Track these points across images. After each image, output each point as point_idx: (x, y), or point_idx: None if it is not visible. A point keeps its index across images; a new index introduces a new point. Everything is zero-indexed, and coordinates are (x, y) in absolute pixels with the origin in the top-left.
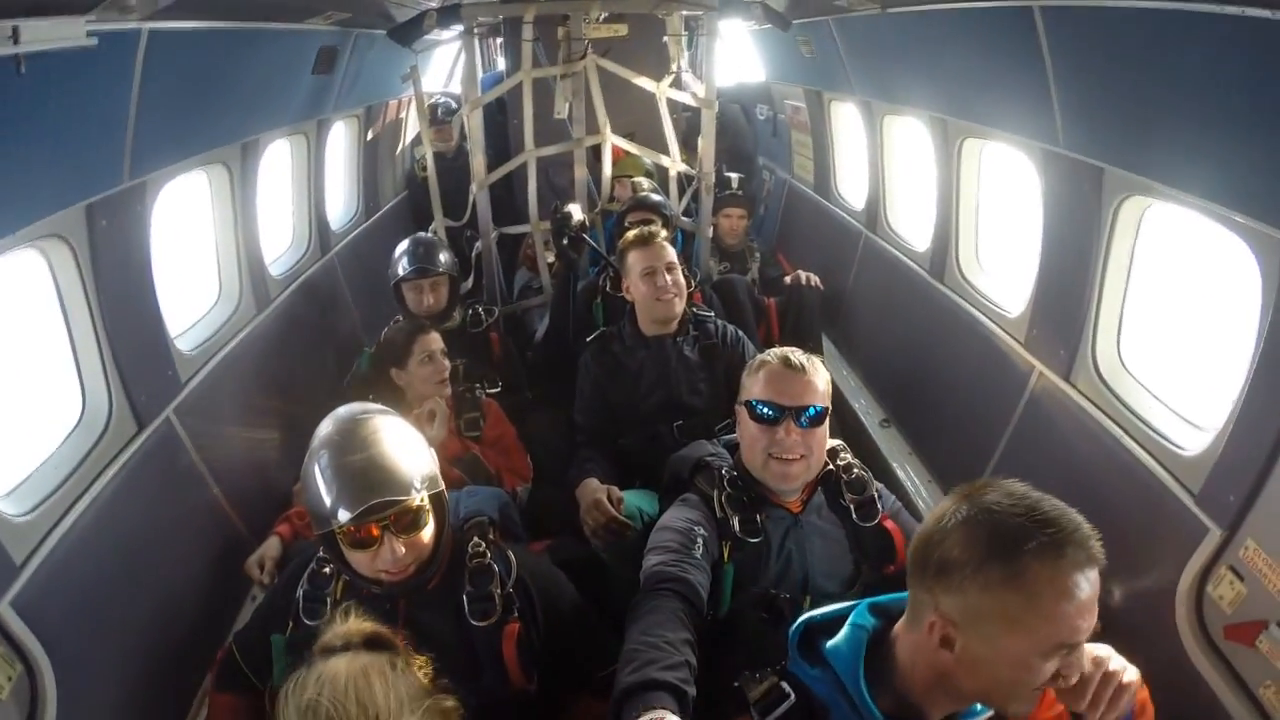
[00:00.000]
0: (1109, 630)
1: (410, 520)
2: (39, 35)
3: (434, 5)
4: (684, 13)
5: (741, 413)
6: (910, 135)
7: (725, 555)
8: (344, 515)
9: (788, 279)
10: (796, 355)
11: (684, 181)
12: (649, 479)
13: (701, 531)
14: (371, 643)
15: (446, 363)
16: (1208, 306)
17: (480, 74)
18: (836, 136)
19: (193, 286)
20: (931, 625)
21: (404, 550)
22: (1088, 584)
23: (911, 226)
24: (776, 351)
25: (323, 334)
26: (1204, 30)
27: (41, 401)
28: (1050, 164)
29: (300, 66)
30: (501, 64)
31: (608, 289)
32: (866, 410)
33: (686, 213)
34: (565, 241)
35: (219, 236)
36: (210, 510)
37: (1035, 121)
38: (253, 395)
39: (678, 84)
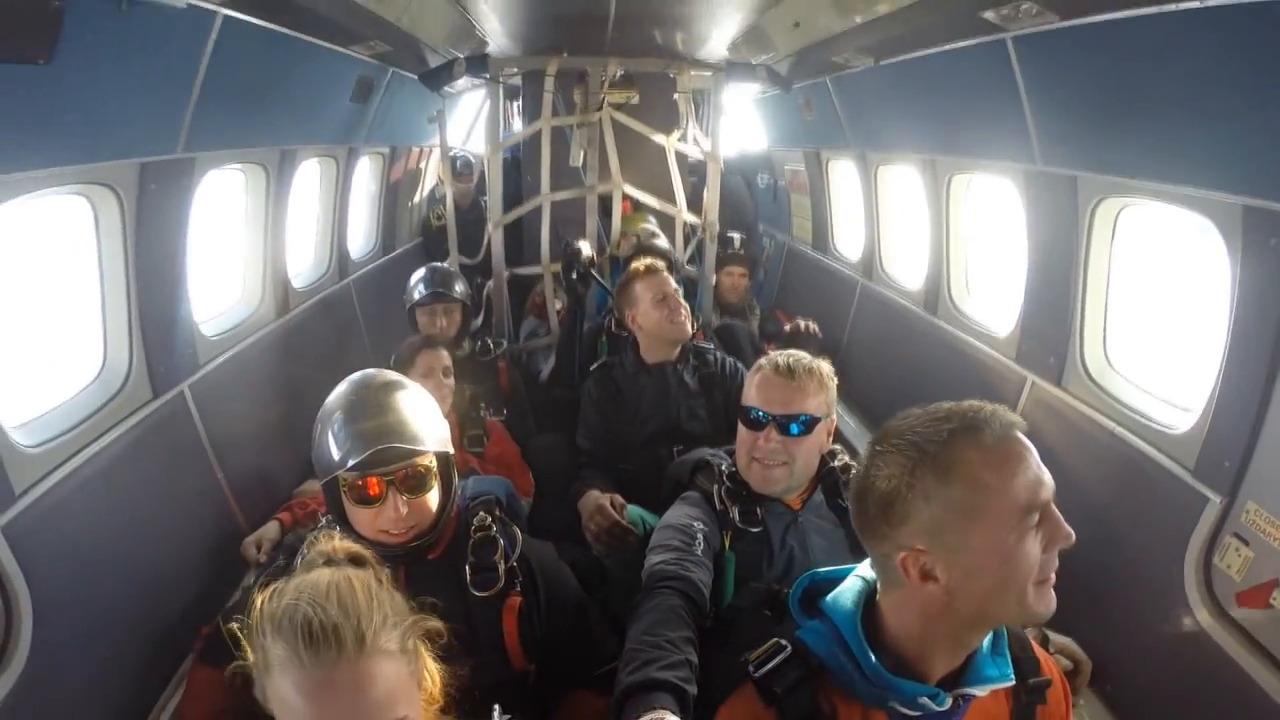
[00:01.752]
0: (1123, 613)
1: (417, 480)
2: None
3: (464, 55)
4: (694, 73)
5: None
6: (902, 184)
7: (726, 545)
8: (352, 460)
9: (787, 327)
10: (791, 360)
11: (689, 232)
12: (650, 503)
13: (701, 526)
14: (356, 560)
15: (449, 383)
16: (1175, 296)
17: (501, 117)
18: (834, 193)
19: (212, 291)
20: (905, 565)
21: (407, 510)
22: (1016, 444)
23: (905, 269)
24: (776, 355)
25: (335, 351)
26: (1156, 30)
27: (60, 352)
28: (1030, 183)
29: (340, 91)
30: (518, 125)
31: (612, 329)
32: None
33: (690, 262)
34: (574, 275)
35: (248, 238)
36: (211, 493)
37: (1014, 144)
38: (264, 393)
39: (685, 139)
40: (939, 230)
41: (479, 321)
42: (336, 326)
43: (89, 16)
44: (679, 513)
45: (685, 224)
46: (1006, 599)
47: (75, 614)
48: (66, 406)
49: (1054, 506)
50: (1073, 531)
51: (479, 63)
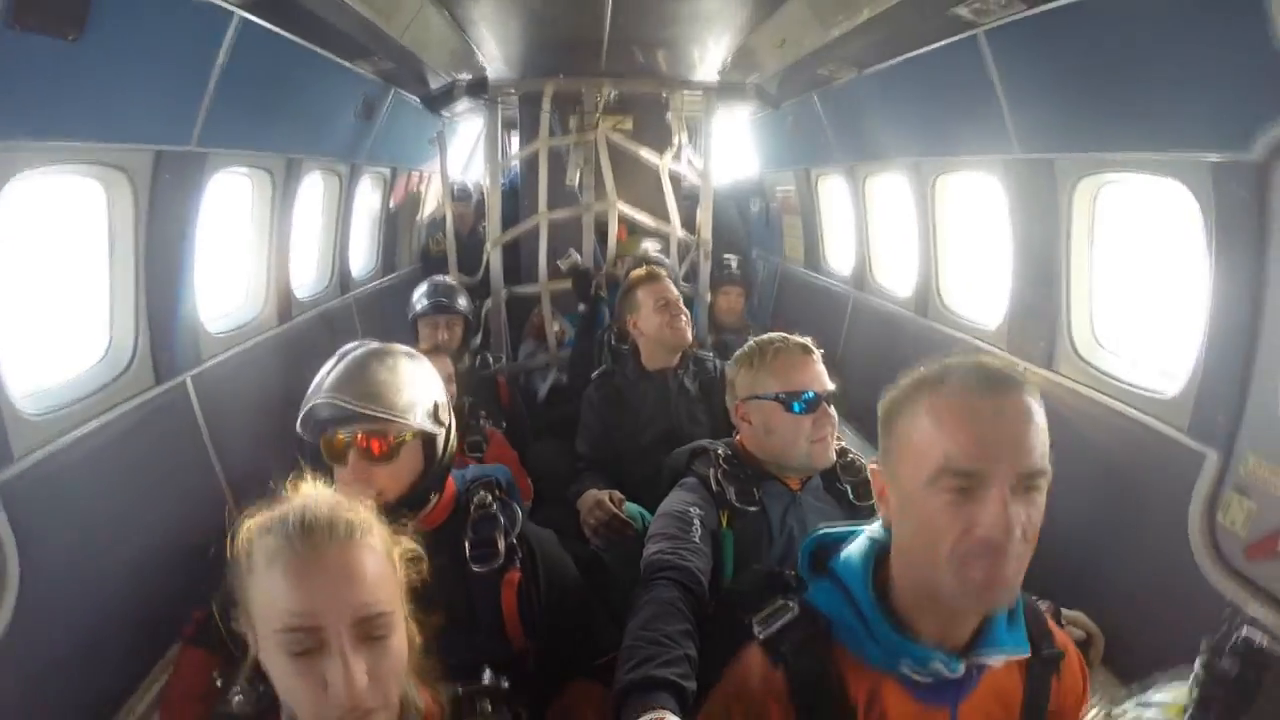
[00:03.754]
0: (1131, 584)
1: (382, 447)
2: None
3: (463, 78)
4: (686, 94)
5: (765, 406)
6: (889, 193)
7: (724, 523)
8: (306, 408)
9: None
10: (800, 339)
11: (684, 250)
12: (651, 508)
13: (698, 511)
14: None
15: (451, 389)
16: (1160, 268)
17: (500, 143)
18: (824, 210)
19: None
20: (873, 475)
21: (368, 475)
22: (966, 400)
23: (895, 277)
24: (780, 338)
25: None
26: (1119, 3)
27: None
28: (1009, 172)
29: (345, 106)
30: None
31: (612, 343)
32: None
33: (686, 279)
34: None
35: (254, 243)
36: (207, 484)
37: (992, 136)
38: (262, 395)
39: (680, 157)
40: (927, 233)
41: (478, 340)
42: (337, 339)
43: None
44: (675, 499)
45: (680, 242)
46: (930, 561)
47: (62, 583)
48: (71, 382)
49: (997, 493)
50: (998, 531)
51: (478, 85)
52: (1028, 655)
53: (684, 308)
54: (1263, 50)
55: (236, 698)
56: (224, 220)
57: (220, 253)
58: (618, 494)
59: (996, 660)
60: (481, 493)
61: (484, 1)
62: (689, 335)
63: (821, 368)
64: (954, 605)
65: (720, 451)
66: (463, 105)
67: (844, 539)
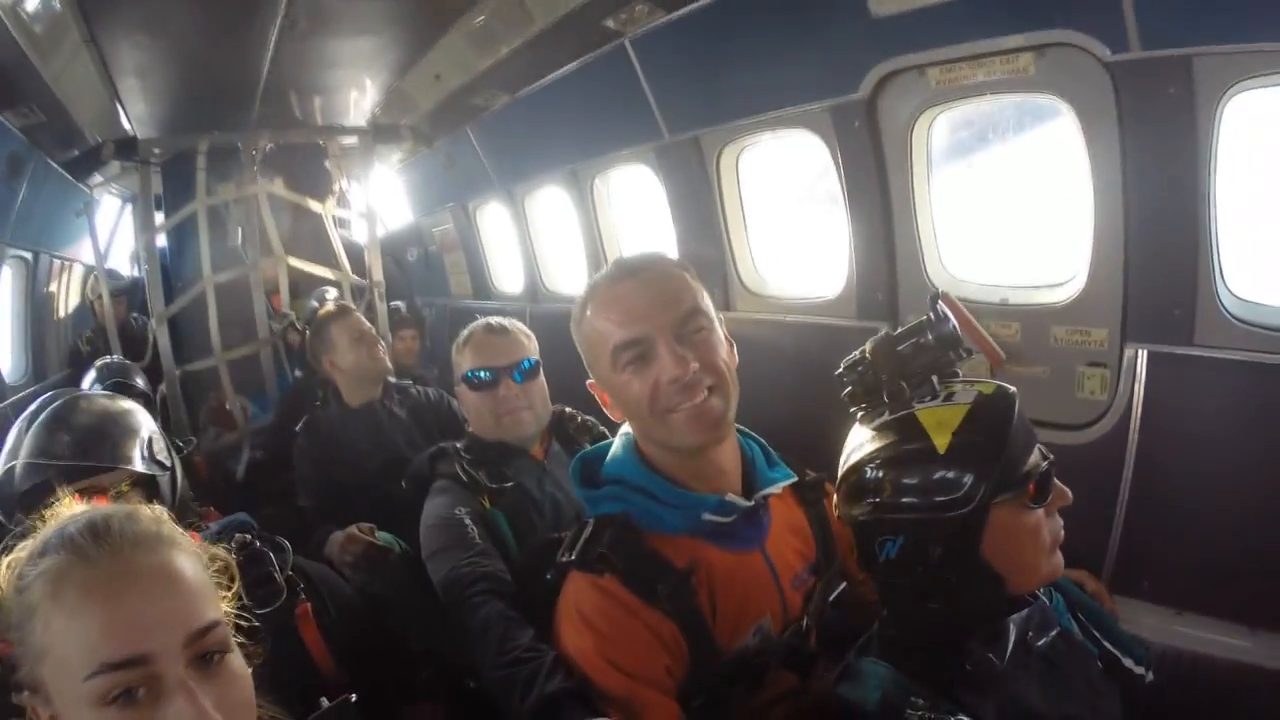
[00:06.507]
0: None
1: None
2: None
3: (112, 138)
4: (343, 140)
5: (460, 387)
6: (551, 204)
7: (488, 505)
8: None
9: None
10: (496, 320)
11: (357, 295)
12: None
13: (461, 509)
14: None
15: None
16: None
17: (154, 209)
18: (486, 239)
19: None
20: (592, 390)
21: None
22: (622, 290)
23: (571, 279)
24: (480, 322)
25: None
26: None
27: None
28: (661, 157)
29: None
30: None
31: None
32: None
33: None
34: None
35: None
36: None
37: (644, 128)
38: None
39: (343, 202)
40: (591, 233)
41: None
42: None
43: None
44: (434, 507)
45: (353, 286)
46: (650, 424)
47: None
48: None
49: (663, 345)
50: (675, 370)
51: (128, 146)
52: (794, 480)
53: (379, 337)
54: (861, 13)
55: None
56: None
57: None
58: (365, 525)
59: (774, 489)
60: (238, 535)
61: (138, 47)
62: (388, 363)
63: (512, 342)
64: (687, 447)
65: (458, 445)
66: (111, 171)
67: (604, 451)
